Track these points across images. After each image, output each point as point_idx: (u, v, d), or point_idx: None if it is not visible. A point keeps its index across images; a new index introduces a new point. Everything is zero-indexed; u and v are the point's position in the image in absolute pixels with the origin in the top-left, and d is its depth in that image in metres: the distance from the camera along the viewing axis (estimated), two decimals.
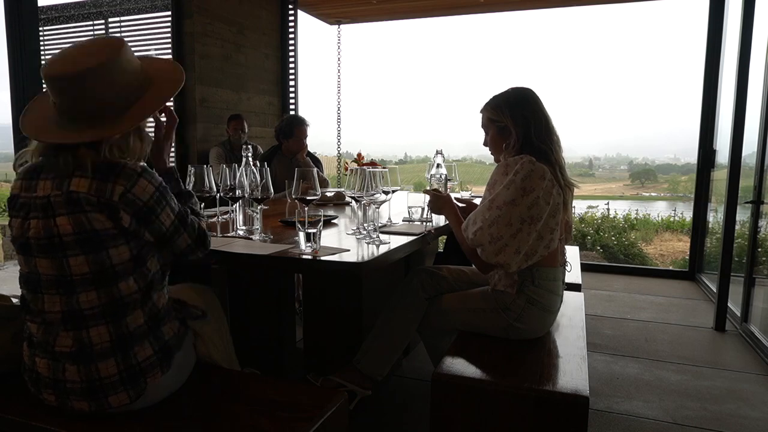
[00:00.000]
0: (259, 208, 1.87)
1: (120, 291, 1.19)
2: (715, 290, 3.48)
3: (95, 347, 1.18)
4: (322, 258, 1.51)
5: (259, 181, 1.82)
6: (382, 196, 1.77)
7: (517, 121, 1.75)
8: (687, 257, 4.86)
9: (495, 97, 1.84)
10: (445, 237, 3.15)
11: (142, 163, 1.22)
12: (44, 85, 1.20)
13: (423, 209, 2.26)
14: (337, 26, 5.85)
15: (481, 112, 1.87)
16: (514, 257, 1.66)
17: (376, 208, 1.83)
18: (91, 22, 4.78)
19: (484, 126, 1.88)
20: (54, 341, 1.20)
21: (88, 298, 1.17)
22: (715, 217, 4.52)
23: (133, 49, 1.30)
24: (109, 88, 1.16)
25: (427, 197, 2.04)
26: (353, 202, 2.13)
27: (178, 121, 1.51)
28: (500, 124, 1.80)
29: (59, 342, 1.19)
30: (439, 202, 1.96)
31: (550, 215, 1.68)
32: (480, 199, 1.81)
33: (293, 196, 1.68)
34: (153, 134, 1.46)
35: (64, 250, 1.14)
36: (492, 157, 1.91)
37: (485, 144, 1.91)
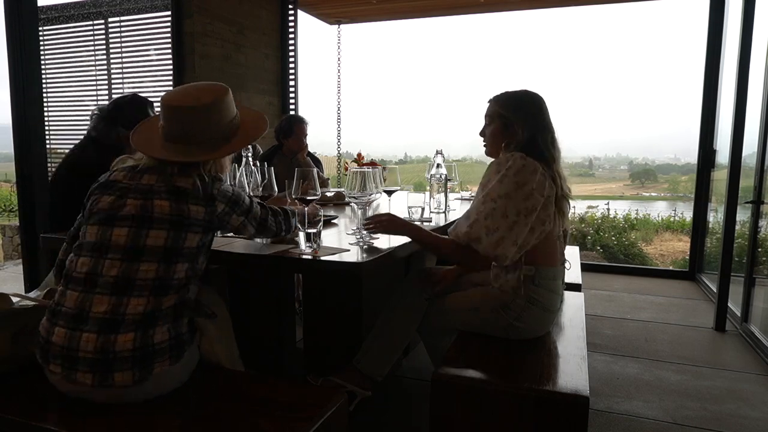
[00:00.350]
0: None
1: (175, 270, 1.33)
2: (715, 290, 3.48)
3: (127, 317, 1.25)
4: (322, 258, 1.51)
5: (260, 181, 1.82)
6: (375, 197, 1.77)
7: (527, 124, 1.75)
8: (687, 257, 4.86)
9: (509, 94, 1.83)
10: None
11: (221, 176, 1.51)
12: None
13: (423, 209, 2.26)
14: (337, 26, 5.85)
15: (491, 102, 1.85)
16: (511, 249, 1.66)
17: (361, 208, 1.80)
18: (91, 22, 4.78)
19: (488, 116, 1.86)
20: (90, 306, 1.26)
21: (148, 268, 1.29)
22: (715, 217, 4.52)
23: (133, 49, 1.33)
24: (215, 123, 1.44)
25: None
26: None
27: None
28: (507, 120, 1.78)
29: (95, 307, 1.26)
30: (385, 223, 1.83)
31: (543, 207, 1.69)
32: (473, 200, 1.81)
33: (293, 196, 1.69)
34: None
35: (152, 224, 1.31)
36: (487, 157, 1.91)
37: (481, 134, 1.89)
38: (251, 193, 1.90)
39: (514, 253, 1.67)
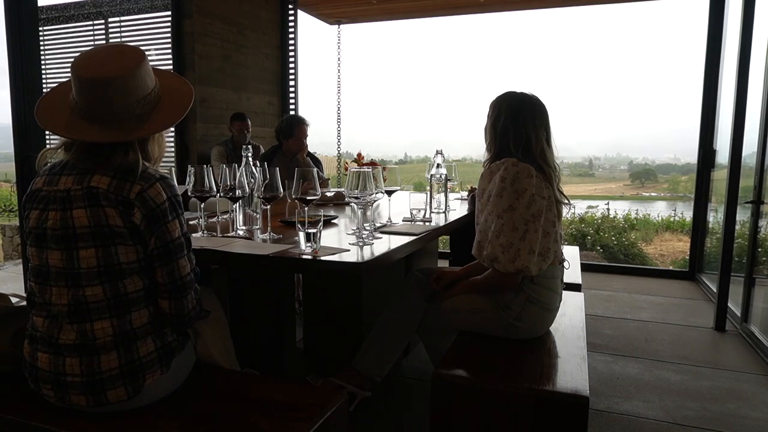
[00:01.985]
0: (263, 208, 1.87)
1: (125, 287, 1.22)
2: (715, 290, 3.48)
3: (98, 341, 1.20)
4: (322, 258, 1.51)
5: (261, 182, 1.82)
6: (375, 197, 1.76)
7: (523, 126, 1.76)
8: (687, 257, 4.86)
9: (505, 96, 1.83)
10: (445, 237, 3.15)
11: (163, 172, 1.29)
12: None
13: (425, 210, 2.26)
14: (337, 26, 5.85)
15: (490, 104, 1.87)
16: (530, 258, 1.66)
17: (361, 208, 1.80)
18: (91, 22, 4.78)
19: (487, 117, 1.87)
20: (58, 334, 1.22)
21: (93, 292, 1.19)
22: (715, 217, 4.52)
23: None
24: (133, 95, 1.23)
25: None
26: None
27: None
28: (503, 122, 1.79)
29: (63, 335, 1.21)
30: (445, 282, 1.91)
31: (548, 209, 1.70)
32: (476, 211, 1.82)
33: (293, 196, 1.68)
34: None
35: (77, 241, 1.18)
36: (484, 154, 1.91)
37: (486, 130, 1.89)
38: (256, 194, 1.86)
39: (537, 262, 1.68)
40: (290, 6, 5.27)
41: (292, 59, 5.37)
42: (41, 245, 1.22)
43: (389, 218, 2.17)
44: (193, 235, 1.87)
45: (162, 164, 1.52)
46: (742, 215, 3.41)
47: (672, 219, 9.00)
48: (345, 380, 1.87)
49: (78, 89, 1.22)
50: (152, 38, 4.44)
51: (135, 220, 1.20)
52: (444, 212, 2.48)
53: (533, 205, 1.66)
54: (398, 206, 2.54)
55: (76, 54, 1.26)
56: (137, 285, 1.24)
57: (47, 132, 3.26)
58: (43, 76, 4.71)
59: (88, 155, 1.23)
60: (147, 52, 1.28)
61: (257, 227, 1.88)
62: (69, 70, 1.23)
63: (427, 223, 2.16)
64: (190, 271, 1.31)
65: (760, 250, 3.24)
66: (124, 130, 1.22)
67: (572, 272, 2.76)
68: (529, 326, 1.77)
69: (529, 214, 1.66)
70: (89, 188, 1.18)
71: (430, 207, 2.47)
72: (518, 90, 1.85)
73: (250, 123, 4.20)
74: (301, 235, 1.57)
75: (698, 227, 4.65)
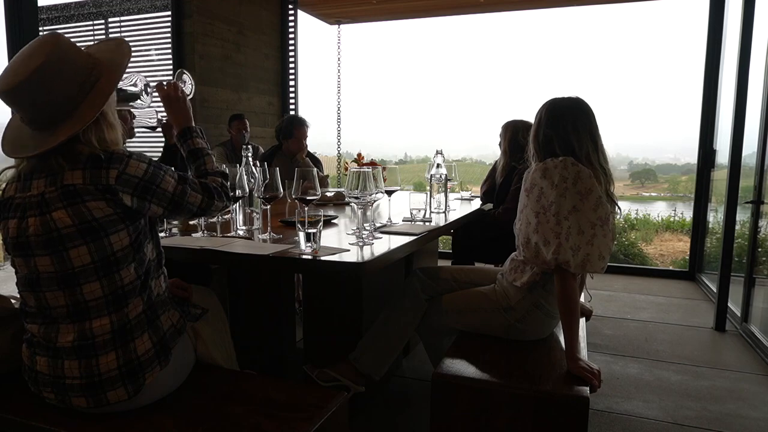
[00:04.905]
0: (263, 208, 1.87)
1: (122, 279, 1.21)
2: (715, 290, 3.48)
3: (97, 339, 1.20)
4: (322, 258, 1.51)
5: (261, 182, 1.82)
6: (375, 197, 1.76)
7: (566, 130, 1.68)
8: (687, 257, 4.85)
9: (550, 102, 1.76)
10: (445, 237, 3.15)
11: (127, 150, 1.25)
12: None
13: (425, 210, 2.26)
14: (337, 26, 5.85)
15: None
16: (599, 264, 1.58)
17: (361, 208, 1.79)
18: (91, 22, 4.77)
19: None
20: (56, 337, 1.21)
21: (92, 289, 1.19)
22: (715, 217, 4.52)
23: (133, 49, 1.31)
24: (57, 85, 1.17)
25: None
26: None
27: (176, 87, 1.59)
28: (544, 129, 1.72)
29: (61, 337, 1.21)
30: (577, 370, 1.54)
31: (612, 213, 1.64)
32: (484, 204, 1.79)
33: (293, 196, 1.68)
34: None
35: (64, 243, 1.16)
36: (486, 157, 1.89)
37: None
38: (256, 194, 1.86)
39: (604, 265, 1.60)
40: (290, 6, 5.27)
41: (292, 59, 5.37)
42: (26, 253, 1.19)
43: (389, 218, 2.17)
44: (193, 235, 1.88)
45: None
46: (742, 215, 3.41)
47: (672, 219, 8.99)
48: (341, 373, 1.88)
49: (7, 104, 1.19)
50: (152, 38, 4.44)
51: (126, 202, 1.20)
52: (444, 212, 2.48)
53: (600, 207, 1.58)
54: (398, 206, 2.54)
55: None
56: (131, 276, 1.23)
57: None
58: None
59: (43, 163, 1.19)
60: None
61: (257, 227, 1.88)
62: None
63: (427, 223, 2.16)
64: (202, 196, 1.34)
65: (760, 250, 3.24)
66: (73, 121, 1.18)
67: None
68: (531, 329, 1.76)
69: (595, 217, 1.57)
70: (64, 186, 1.16)
71: (430, 207, 2.47)
72: (563, 95, 1.76)
73: (248, 123, 4.19)
74: (301, 235, 1.57)
75: (698, 227, 4.65)
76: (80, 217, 1.15)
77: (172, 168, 1.33)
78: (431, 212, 2.44)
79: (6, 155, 1.22)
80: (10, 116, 1.29)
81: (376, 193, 1.74)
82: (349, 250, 1.61)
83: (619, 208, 1.69)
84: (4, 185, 1.26)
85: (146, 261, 1.27)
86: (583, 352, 1.69)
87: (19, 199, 1.20)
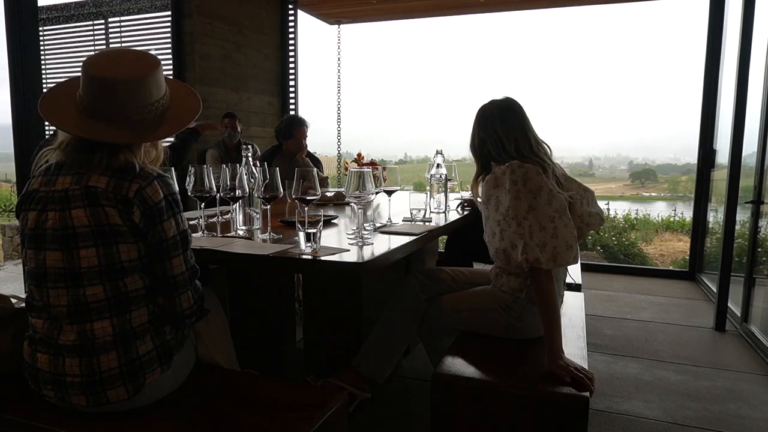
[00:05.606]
0: (263, 208, 1.87)
1: (126, 286, 1.22)
2: (715, 290, 3.48)
3: (97, 341, 1.20)
4: (322, 258, 1.51)
5: (261, 182, 1.82)
6: (375, 197, 1.76)
7: (503, 135, 1.76)
8: (687, 257, 4.86)
9: (480, 109, 1.85)
10: (445, 237, 3.15)
11: (158, 170, 1.29)
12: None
13: (425, 210, 2.26)
14: (337, 26, 5.85)
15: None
16: (569, 254, 1.60)
17: (361, 208, 1.79)
18: (91, 22, 4.77)
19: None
20: (58, 335, 1.22)
21: (94, 292, 1.20)
22: (715, 217, 4.52)
23: (133, 49, 1.32)
24: (141, 99, 1.24)
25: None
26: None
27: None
28: (482, 137, 1.81)
29: (63, 336, 1.21)
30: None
31: (569, 203, 1.68)
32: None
33: (293, 196, 1.68)
34: None
35: (77, 241, 1.18)
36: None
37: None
38: (256, 194, 1.86)
39: (575, 254, 1.62)
40: (290, 6, 5.27)
41: (292, 59, 5.37)
42: (39, 246, 1.22)
43: (389, 218, 2.17)
44: (193, 235, 1.87)
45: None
46: (742, 215, 3.41)
47: (672, 219, 9.00)
48: (345, 381, 1.88)
49: (88, 87, 1.22)
50: (152, 38, 4.44)
51: (135, 218, 1.21)
52: (444, 212, 2.48)
53: (554, 200, 1.61)
54: (398, 206, 2.54)
55: (76, 54, 1.28)
56: (138, 284, 1.24)
57: (47, 132, 3.26)
58: (43, 77, 4.70)
59: (81, 154, 1.23)
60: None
61: (257, 227, 1.88)
62: (69, 70, 1.24)
63: (427, 223, 2.16)
64: (185, 270, 1.29)
65: (760, 250, 3.24)
66: (126, 132, 1.23)
67: (572, 272, 2.76)
68: (530, 326, 1.76)
69: (552, 210, 1.61)
70: (87, 188, 1.19)
71: (430, 207, 2.47)
72: (490, 98, 1.86)
73: (238, 122, 4.15)
74: (301, 235, 1.57)
75: (698, 227, 4.65)
76: (96, 219, 1.18)
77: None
78: (431, 212, 2.44)
79: (58, 126, 1.25)
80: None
81: (376, 193, 1.73)
82: (349, 250, 1.61)
83: (567, 196, 1.70)
84: (38, 169, 1.29)
85: (161, 274, 1.27)
86: (583, 353, 1.70)
87: (43, 192, 1.23)
